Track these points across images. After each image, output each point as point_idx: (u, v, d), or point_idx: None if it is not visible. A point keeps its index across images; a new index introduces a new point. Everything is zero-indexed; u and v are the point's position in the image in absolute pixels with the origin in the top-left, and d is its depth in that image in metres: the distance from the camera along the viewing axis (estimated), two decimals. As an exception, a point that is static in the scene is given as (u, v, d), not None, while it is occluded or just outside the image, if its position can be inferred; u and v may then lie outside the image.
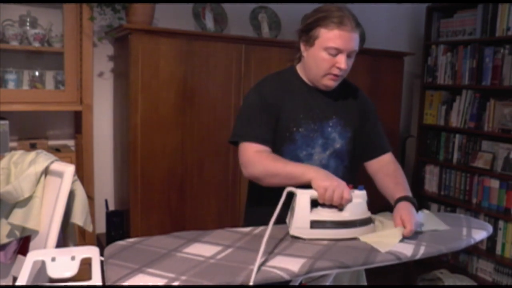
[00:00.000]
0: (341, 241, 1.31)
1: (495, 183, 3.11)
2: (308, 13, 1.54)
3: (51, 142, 2.72)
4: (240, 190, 2.80)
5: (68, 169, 1.54)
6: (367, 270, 1.57)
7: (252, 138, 1.50)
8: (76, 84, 2.53)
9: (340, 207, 1.34)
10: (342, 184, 1.33)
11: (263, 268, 1.11)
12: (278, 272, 1.10)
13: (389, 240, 1.29)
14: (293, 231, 1.32)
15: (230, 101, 2.73)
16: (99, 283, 1.12)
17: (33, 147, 2.52)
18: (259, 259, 1.11)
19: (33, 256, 1.22)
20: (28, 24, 2.50)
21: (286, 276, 1.10)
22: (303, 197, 1.32)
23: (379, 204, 1.53)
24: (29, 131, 2.64)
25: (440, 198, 3.49)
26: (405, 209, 1.38)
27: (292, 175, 1.39)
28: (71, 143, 2.78)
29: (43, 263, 1.21)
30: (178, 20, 2.90)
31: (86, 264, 1.22)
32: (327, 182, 1.32)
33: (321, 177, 1.34)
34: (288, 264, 1.14)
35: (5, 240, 1.56)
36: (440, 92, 3.53)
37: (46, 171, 1.58)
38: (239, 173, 2.72)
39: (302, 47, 1.55)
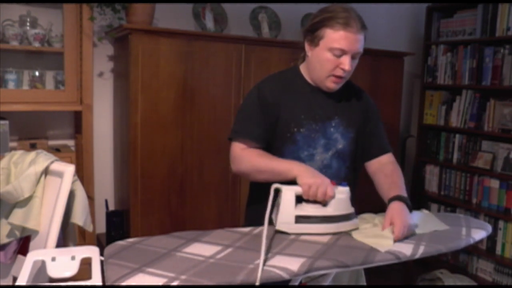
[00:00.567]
0: (341, 241, 1.31)
1: (495, 183, 3.11)
2: (314, 12, 1.54)
3: (51, 142, 2.72)
4: (240, 190, 2.80)
5: (68, 169, 1.55)
6: (366, 270, 1.58)
7: (244, 136, 1.53)
8: (76, 84, 2.53)
9: (323, 203, 1.37)
10: (326, 181, 1.37)
11: (263, 267, 1.11)
12: (278, 271, 1.10)
13: (384, 242, 1.29)
14: (279, 225, 1.36)
15: (230, 101, 2.73)
16: (99, 283, 1.12)
17: (33, 147, 2.52)
18: (262, 258, 1.12)
19: (33, 256, 1.23)
20: (28, 24, 2.50)
21: (286, 276, 1.11)
22: (288, 193, 1.35)
23: (379, 204, 1.54)
24: (29, 131, 2.64)
25: (440, 198, 3.49)
26: (396, 211, 1.38)
27: (277, 171, 1.43)
28: (71, 143, 2.78)
29: (43, 263, 1.22)
30: (178, 20, 2.90)
31: (86, 264, 1.22)
32: (311, 180, 1.36)
33: (305, 174, 1.38)
34: (287, 264, 1.14)
35: (5, 240, 1.56)
36: (440, 92, 3.54)
37: (46, 171, 1.58)
38: (239, 173, 2.72)
39: (307, 47, 1.55)
